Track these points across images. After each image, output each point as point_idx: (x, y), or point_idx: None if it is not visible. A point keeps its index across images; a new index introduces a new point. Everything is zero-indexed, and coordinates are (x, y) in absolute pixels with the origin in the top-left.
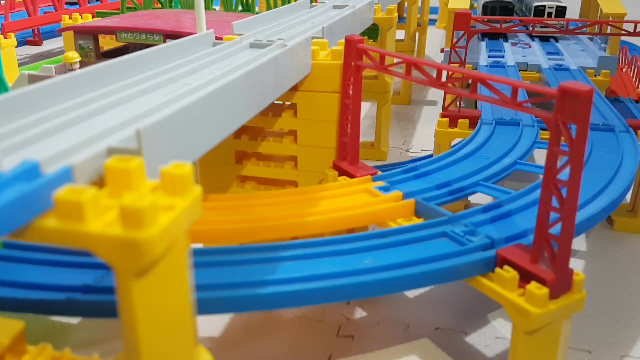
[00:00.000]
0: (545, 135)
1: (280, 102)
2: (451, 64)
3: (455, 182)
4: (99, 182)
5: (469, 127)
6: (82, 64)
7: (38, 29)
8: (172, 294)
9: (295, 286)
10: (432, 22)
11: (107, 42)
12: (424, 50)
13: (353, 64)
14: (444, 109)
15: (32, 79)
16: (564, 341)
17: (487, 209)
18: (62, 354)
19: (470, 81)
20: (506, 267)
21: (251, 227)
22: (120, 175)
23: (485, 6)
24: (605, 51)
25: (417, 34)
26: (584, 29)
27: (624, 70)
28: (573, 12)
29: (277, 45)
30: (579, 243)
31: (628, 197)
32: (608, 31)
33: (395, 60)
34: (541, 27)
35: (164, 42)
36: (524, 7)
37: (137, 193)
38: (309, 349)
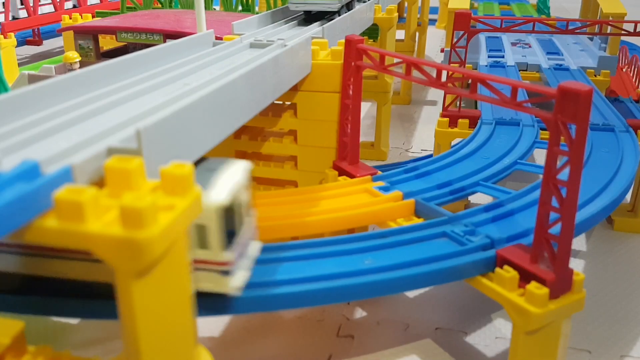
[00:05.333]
0: (545, 135)
1: (280, 102)
2: (451, 64)
3: (455, 182)
4: (99, 182)
5: (469, 127)
6: (82, 64)
7: (38, 29)
8: (172, 294)
9: (295, 287)
10: (432, 22)
11: (107, 42)
12: (424, 50)
13: (353, 64)
14: (444, 108)
15: (32, 79)
16: (564, 341)
17: (487, 208)
18: (62, 354)
19: (470, 81)
20: (506, 267)
21: None
22: (120, 175)
23: None
24: (605, 51)
25: (417, 34)
26: (584, 29)
27: (624, 70)
28: (573, 12)
29: (277, 45)
30: (579, 243)
31: (628, 197)
32: (608, 31)
33: (395, 60)
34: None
35: (164, 42)
36: None
37: (137, 193)
38: (309, 349)
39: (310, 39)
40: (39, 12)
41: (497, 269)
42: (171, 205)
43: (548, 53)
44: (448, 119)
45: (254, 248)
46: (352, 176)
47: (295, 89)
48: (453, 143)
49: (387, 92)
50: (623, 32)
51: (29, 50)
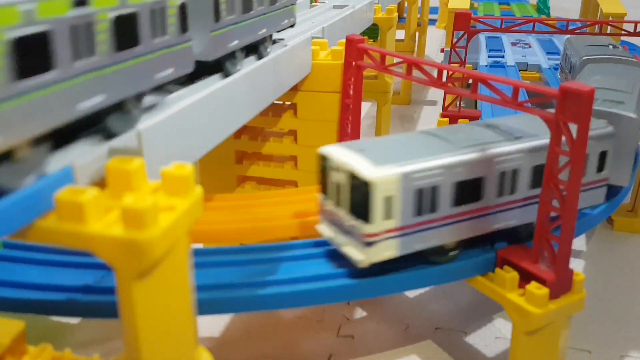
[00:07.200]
0: None
1: (280, 102)
2: (451, 64)
3: None
4: (100, 183)
5: None
6: None
7: None
8: (173, 294)
9: (295, 287)
10: (432, 22)
11: None
12: (424, 50)
13: (354, 63)
14: (444, 108)
15: None
16: (564, 341)
17: None
18: (62, 354)
19: (470, 81)
20: (506, 267)
21: (251, 227)
22: (121, 175)
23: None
24: None
25: (417, 34)
26: (584, 29)
27: None
28: (573, 12)
29: (277, 45)
30: (579, 243)
31: (628, 197)
32: (608, 31)
33: (396, 60)
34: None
35: None
36: None
37: (138, 194)
38: (309, 349)
39: (310, 39)
40: None
41: (497, 269)
42: (172, 206)
43: (548, 53)
44: (448, 119)
45: None
46: None
47: (295, 89)
48: None
49: (387, 92)
50: (623, 32)
51: None
